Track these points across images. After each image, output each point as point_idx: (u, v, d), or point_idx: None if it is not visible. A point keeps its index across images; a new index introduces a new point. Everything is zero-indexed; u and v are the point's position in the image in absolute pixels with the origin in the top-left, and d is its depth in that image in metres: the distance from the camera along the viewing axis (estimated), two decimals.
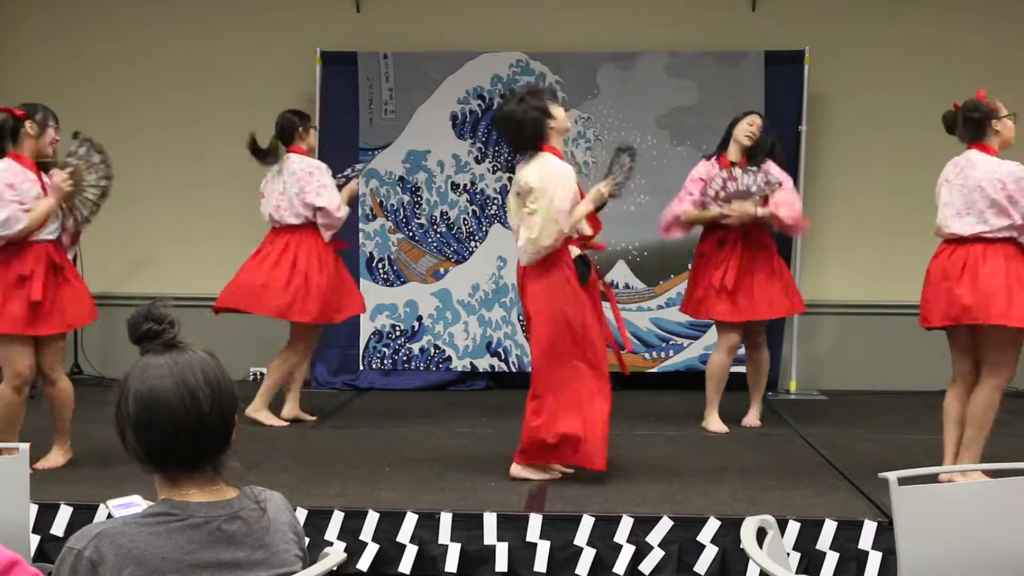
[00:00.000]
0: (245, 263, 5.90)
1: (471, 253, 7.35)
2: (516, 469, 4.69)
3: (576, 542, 4.01)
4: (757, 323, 5.85)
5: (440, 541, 4.04)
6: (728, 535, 3.96)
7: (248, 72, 7.59)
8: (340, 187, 5.88)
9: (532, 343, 4.69)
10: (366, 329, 7.38)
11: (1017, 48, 7.34)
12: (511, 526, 4.04)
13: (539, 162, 4.58)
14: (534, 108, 4.58)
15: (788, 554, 3.88)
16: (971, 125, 4.57)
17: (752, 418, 5.99)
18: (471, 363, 7.35)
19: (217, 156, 7.53)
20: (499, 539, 4.02)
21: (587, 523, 4.03)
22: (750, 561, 3.67)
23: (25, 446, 3.00)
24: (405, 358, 7.39)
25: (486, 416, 6.32)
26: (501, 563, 3.99)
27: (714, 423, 5.83)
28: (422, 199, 7.37)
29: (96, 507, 4.05)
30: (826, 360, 7.35)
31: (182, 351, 1.97)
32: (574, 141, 7.22)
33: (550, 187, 4.50)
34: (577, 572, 3.96)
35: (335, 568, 2.15)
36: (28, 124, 4.66)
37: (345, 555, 2.32)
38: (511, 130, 4.65)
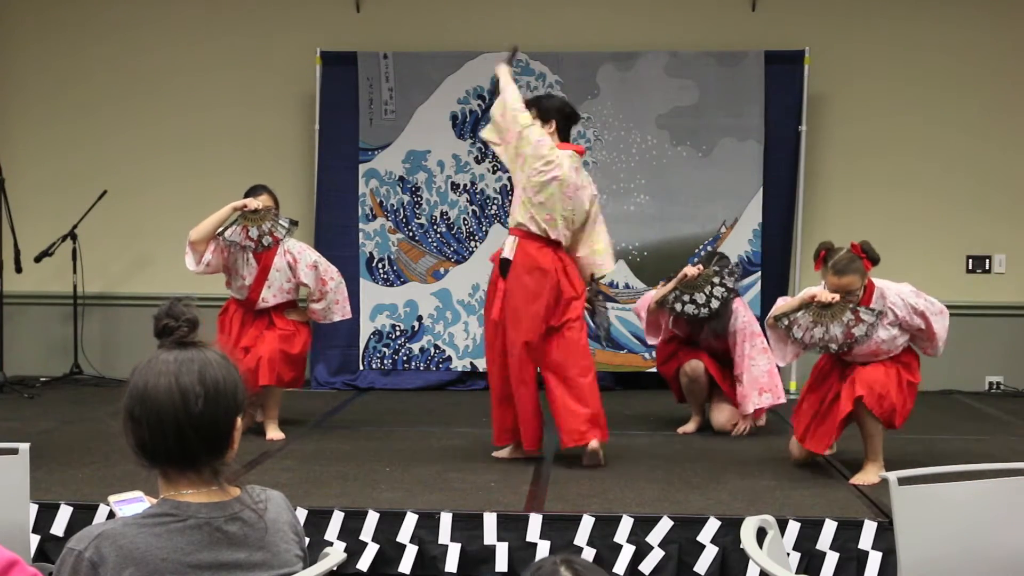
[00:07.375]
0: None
1: (471, 253, 7.35)
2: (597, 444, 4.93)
3: (576, 542, 4.00)
4: None
5: (440, 541, 4.03)
6: (728, 535, 3.95)
7: (248, 72, 7.59)
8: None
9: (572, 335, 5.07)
10: (366, 329, 7.37)
11: (1017, 47, 7.34)
12: (511, 526, 4.04)
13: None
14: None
15: (788, 554, 3.88)
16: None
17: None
18: (471, 363, 7.35)
19: (218, 156, 7.53)
20: (499, 539, 4.01)
21: (587, 523, 4.03)
22: (750, 561, 3.67)
23: (25, 446, 3.01)
24: (405, 358, 7.39)
25: (486, 416, 6.29)
26: (501, 563, 3.99)
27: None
28: (422, 199, 7.37)
29: (96, 507, 4.05)
30: None
31: (190, 349, 1.96)
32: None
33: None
34: None
35: (335, 568, 2.15)
36: None
37: (345, 555, 2.32)
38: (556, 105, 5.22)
